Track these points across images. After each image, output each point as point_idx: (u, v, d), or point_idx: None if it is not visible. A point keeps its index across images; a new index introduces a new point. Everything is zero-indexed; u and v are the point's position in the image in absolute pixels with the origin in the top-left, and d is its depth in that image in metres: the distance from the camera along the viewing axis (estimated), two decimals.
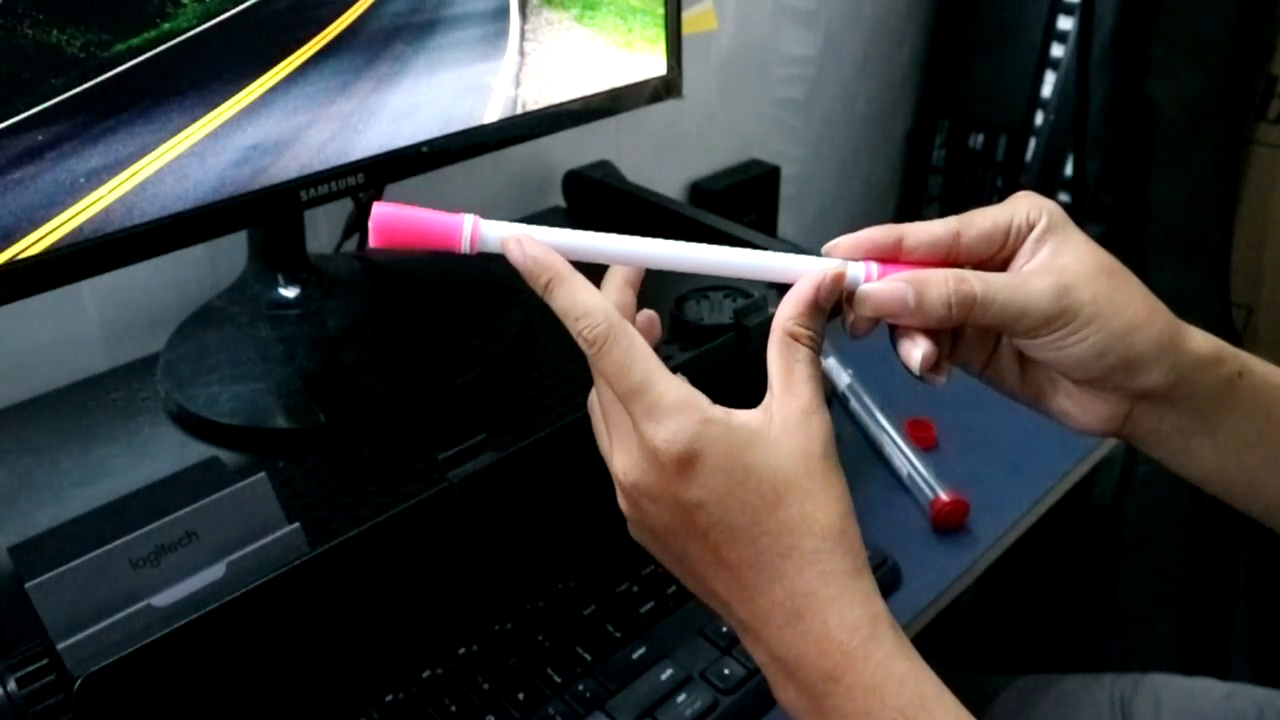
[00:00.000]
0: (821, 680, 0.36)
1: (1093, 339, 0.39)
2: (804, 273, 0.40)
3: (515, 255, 0.39)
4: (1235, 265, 1.12)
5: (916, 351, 0.40)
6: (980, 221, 0.42)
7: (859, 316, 0.41)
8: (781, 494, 0.36)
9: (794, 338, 0.39)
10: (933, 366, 0.41)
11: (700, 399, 0.37)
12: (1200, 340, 0.41)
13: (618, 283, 0.41)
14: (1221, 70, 1.04)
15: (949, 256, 0.41)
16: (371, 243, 0.39)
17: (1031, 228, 0.41)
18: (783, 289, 0.41)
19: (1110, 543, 1.12)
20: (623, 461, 0.39)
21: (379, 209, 0.38)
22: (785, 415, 0.37)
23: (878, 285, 0.40)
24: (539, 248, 0.39)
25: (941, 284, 0.39)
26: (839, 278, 0.40)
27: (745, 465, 0.36)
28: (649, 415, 0.37)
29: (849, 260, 0.41)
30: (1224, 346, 0.41)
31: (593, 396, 0.42)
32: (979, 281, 0.39)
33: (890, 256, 0.41)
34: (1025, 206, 0.42)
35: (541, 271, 0.39)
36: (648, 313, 0.43)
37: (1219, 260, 1.11)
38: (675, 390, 0.37)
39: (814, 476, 0.37)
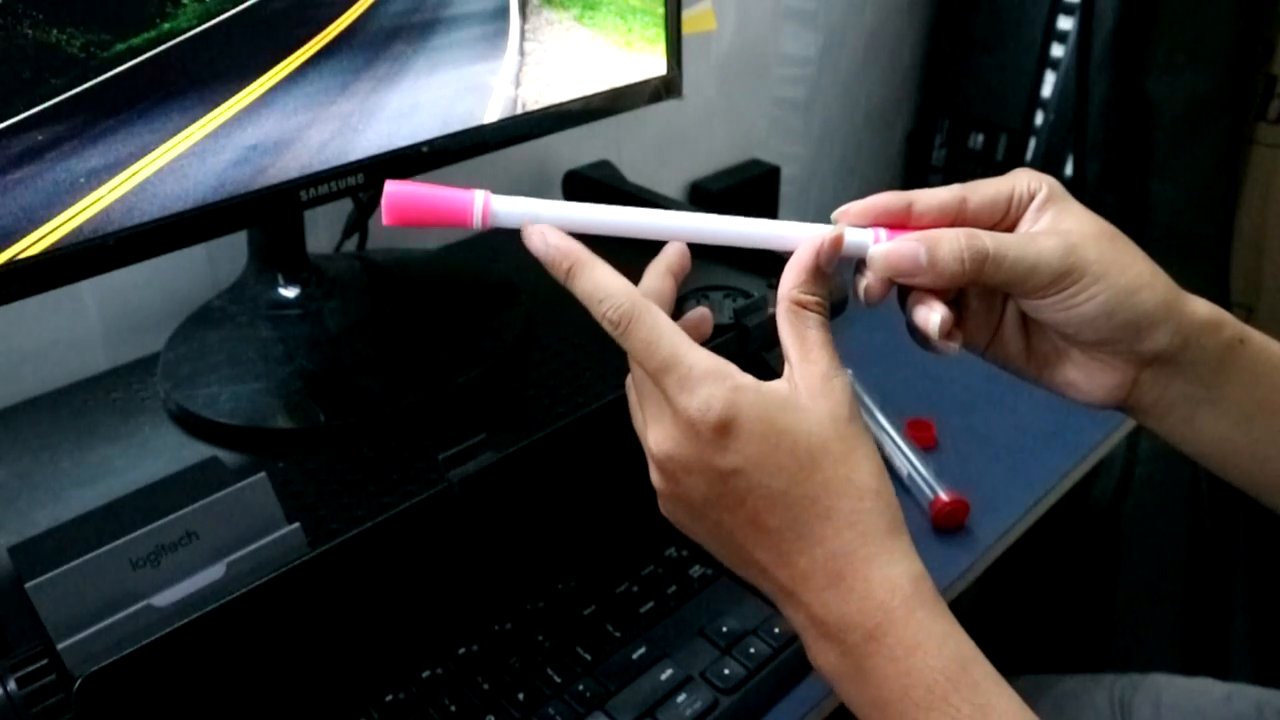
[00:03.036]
0: (864, 640, 0.36)
1: (1101, 296, 0.39)
2: (804, 240, 0.40)
3: (537, 245, 0.40)
4: (1235, 265, 1.12)
5: (934, 316, 0.40)
6: (984, 189, 0.42)
7: (872, 280, 0.41)
8: (816, 457, 0.37)
9: (801, 305, 0.39)
10: (947, 333, 0.41)
11: (731, 367, 0.38)
12: (1201, 305, 0.42)
13: (659, 269, 0.42)
14: (1221, 70, 1.04)
15: (956, 222, 0.42)
16: (384, 220, 0.39)
17: (1032, 197, 0.42)
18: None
19: (1110, 543, 1.12)
20: (657, 435, 0.39)
21: (391, 186, 0.39)
22: (809, 382, 0.38)
23: (890, 245, 0.40)
24: (559, 236, 0.40)
25: (954, 239, 0.39)
26: (838, 241, 0.40)
27: (779, 430, 0.37)
28: (681, 386, 0.37)
29: (858, 227, 0.41)
30: (1223, 313, 0.42)
31: (629, 379, 0.43)
32: (990, 238, 0.40)
33: (900, 222, 0.41)
34: (1025, 178, 0.43)
35: (563, 259, 0.39)
36: (700, 310, 0.44)
37: (1219, 260, 1.11)
38: (705, 360, 0.38)
39: (845, 439, 0.37)
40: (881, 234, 0.41)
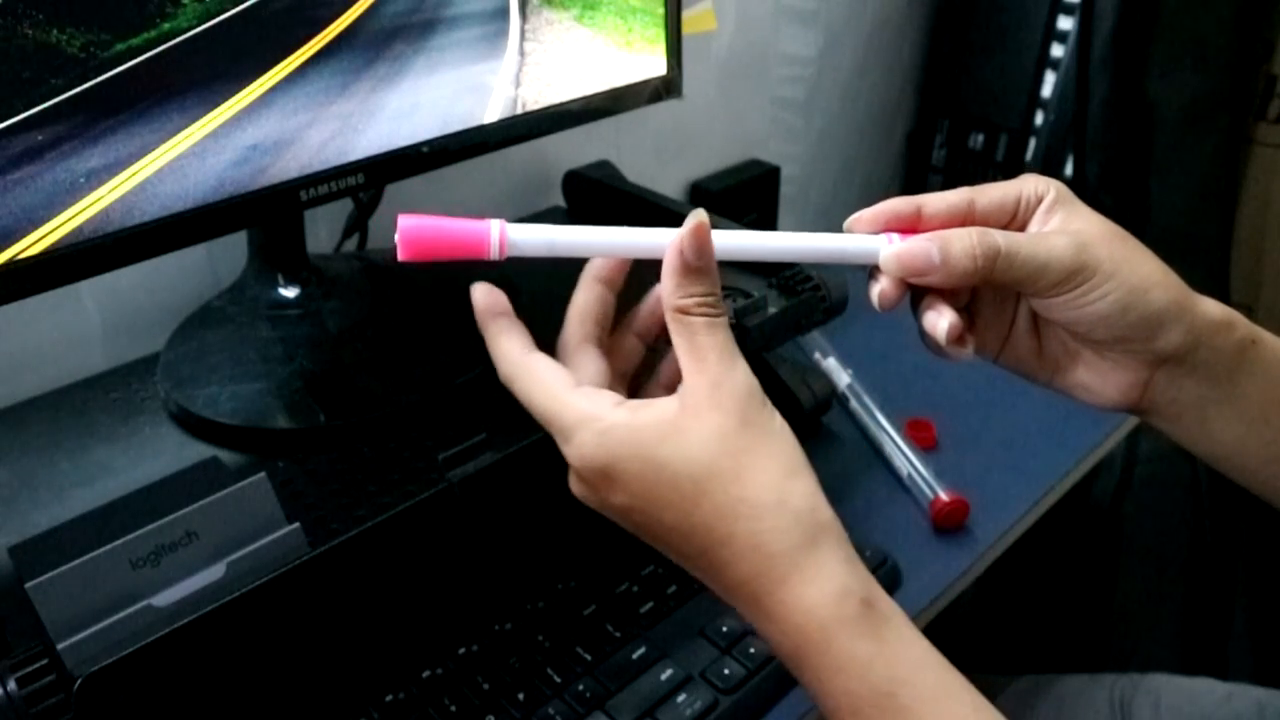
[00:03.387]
0: (790, 658, 0.36)
1: (1114, 294, 0.39)
2: (667, 244, 0.39)
3: (475, 298, 0.42)
4: (1235, 265, 1.12)
5: (942, 321, 0.40)
6: (992, 192, 0.42)
7: (886, 285, 0.40)
8: (702, 484, 0.35)
9: (683, 311, 0.38)
10: (957, 339, 0.40)
11: (601, 405, 0.37)
12: (1212, 305, 0.42)
13: (586, 280, 0.42)
14: (1221, 70, 1.04)
15: (964, 224, 0.41)
16: (400, 256, 0.39)
17: (1040, 200, 0.42)
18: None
19: (1110, 543, 1.12)
20: (570, 483, 0.40)
21: (406, 221, 0.38)
22: (694, 398, 0.36)
23: (903, 245, 0.40)
24: (484, 293, 0.42)
25: (965, 237, 0.39)
26: (697, 229, 0.38)
27: (658, 464, 0.36)
28: (561, 438, 0.38)
29: (867, 234, 0.41)
30: (1234, 313, 0.42)
31: None
32: (1001, 236, 0.39)
33: (909, 226, 0.41)
34: (1033, 182, 0.42)
35: (481, 319, 0.42)
36: (654, 294, 0.42)
37: (1219, 260, 1.11)
38: (575, 406, 0.37)
39: (733, 454, 0.36)
40: (895, 238, 0.41)
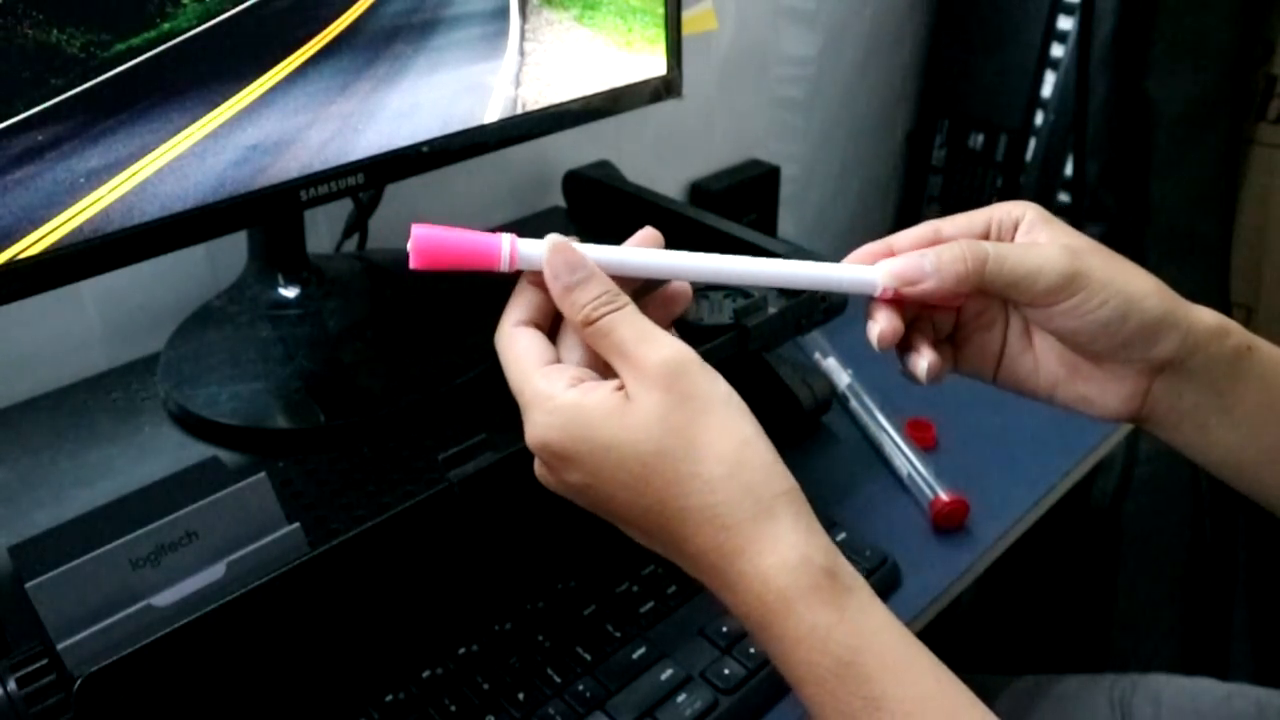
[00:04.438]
0: (755, 629, 0.36)
1: (1112, 302, 0.40)
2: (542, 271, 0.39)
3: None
4: (1235, 265, 1.12)
5: (922, 362, 0.42)
6: (958, 220, 0.43)
7: (885, 325, 0.42)
8: (649, 462, 0.36)
9: (588, 322, 0.38)
10: (935, 376, 0.42)
11: (556, 385, 0.37)
12: (1207, 313, 0.42)
13: (523, 287, 0.41)
14: (1221, 70, 1.04)
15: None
16: (412, 265, 0.39)
17: (1016, 223, 0.43)
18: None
19: (1110, 543, 1.12)
20: (534, 463, 0.40)
21: (419, 231, 0.39)
22: (633, 384, 0.37)
23: (896, 259, 0.41)
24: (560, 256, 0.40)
25: (955, 246, 0.40)
26: (557, 248, 0.39)
27: (605, 444, 0.36)
28: (523, 416, 0.38)
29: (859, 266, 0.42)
30: (1229, 321, 0.42)
31: None
32: (989, 244, 0.41)
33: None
34: (1005, 207, 0.43)
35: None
36: (669, 289, 0.43)
37: (1219, 260, 1.11)
38: (534, 384, 0.38)
39: (678, 431, 0.36)
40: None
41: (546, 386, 0.37)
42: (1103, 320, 0.40)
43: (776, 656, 0.35)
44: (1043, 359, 0.45)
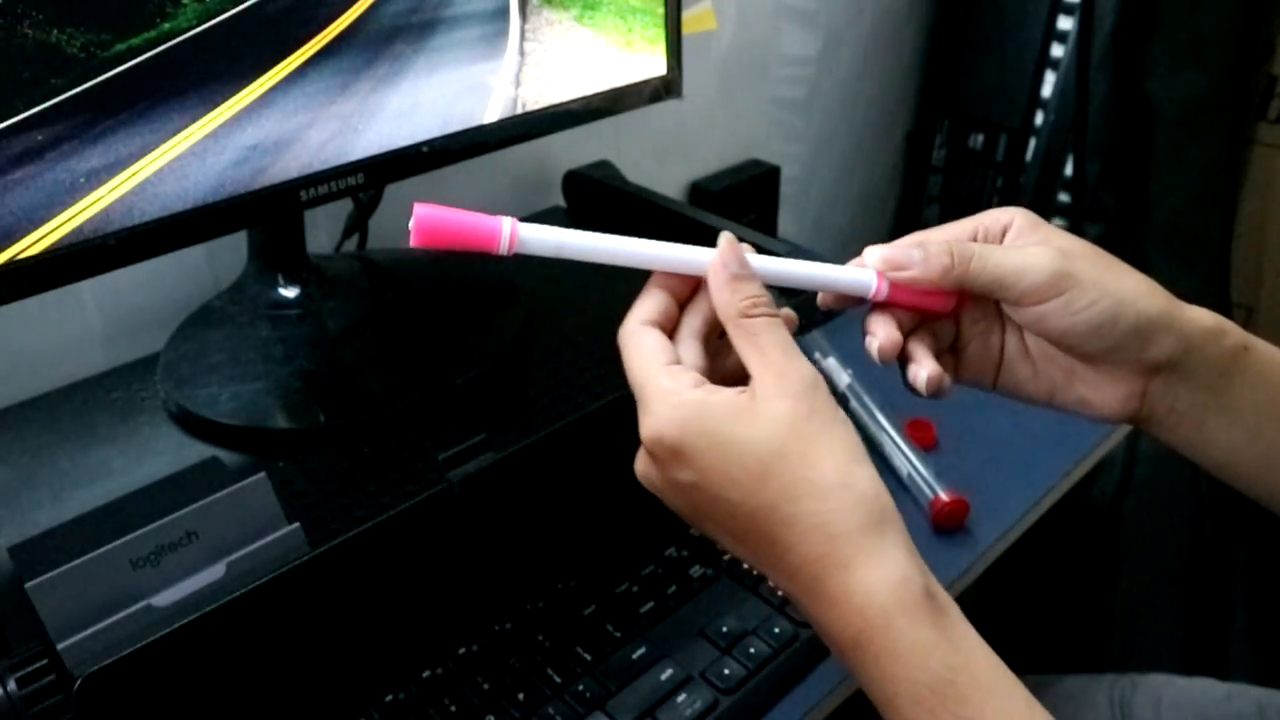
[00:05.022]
0: (850, 647, 0.35)
1: (1103, 302, 0.40)
2: (709, 262, 0.41)
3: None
4: (1235, 265, 1.12)
5: (922, 372, 0.42)
6: (945, 229, 0.44)
7: (884, 339, 0.42)
8: (769, 463, 0.36)
9: (744, 315, 0.39)
10: (935, 389, 0.42)
11: (682, 382, 0.38)
12: (1202, 313, 0.42)
13: (650, 288, 0.42)
14: (1221, 70, 1.04)
15: None
16: (412, 242, 0.39)
17: (1004, 229, 0.43)
18: (787, 290, 0.42)
19: (1110, 543, 1.12)
20: (635, 462, 0.40)
21: (421, 209, 0.39)
22: (763, 386, 0.37)
23: (886, 246, 0.42)
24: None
25: (941, 240, 0.41)
26: (731, 241, 0.40)
27: (726, 441, 0.36)
28: (641, 410, 0.38)
29: (861, 267, 0.43)
30: (1225, 320, 0.42)
31: None
32: (975, 244, 0.42)
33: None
34: (993, 214, 0.44)
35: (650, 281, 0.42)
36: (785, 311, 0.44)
37: (1219, 260, 1.11)
38: (658, 381, 0.38)
39: (802, 438, 0.36)
40: (884, 278, 0.42)
41: (671, 383, 0.38)
42: (1093, 321, 0.40)
43: (870, 675, 0.35)
44: (1040, 364, 0.45)
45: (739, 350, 0.39)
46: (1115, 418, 0.44)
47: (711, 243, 0.42)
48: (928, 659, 0.34)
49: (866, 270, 0.42)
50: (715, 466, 0.37)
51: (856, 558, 0.35)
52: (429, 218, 0.39)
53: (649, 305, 0.41)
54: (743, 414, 0.37)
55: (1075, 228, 1.11)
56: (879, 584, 0.35)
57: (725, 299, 0.39)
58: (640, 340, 0.40)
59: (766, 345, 0.38)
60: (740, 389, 0.38)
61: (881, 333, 0.42)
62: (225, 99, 0.50)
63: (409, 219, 0.39)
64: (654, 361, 0.39)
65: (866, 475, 0.36)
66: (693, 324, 0.42)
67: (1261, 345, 0.43)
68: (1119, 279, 0.40)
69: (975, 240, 0.43)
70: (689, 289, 0.42)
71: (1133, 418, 0.44)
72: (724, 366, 0.43)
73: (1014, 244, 0.43)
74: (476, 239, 0.40)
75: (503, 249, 0.40)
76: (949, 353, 0.46)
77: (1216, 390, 0.42)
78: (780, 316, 0.39)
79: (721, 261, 0.40)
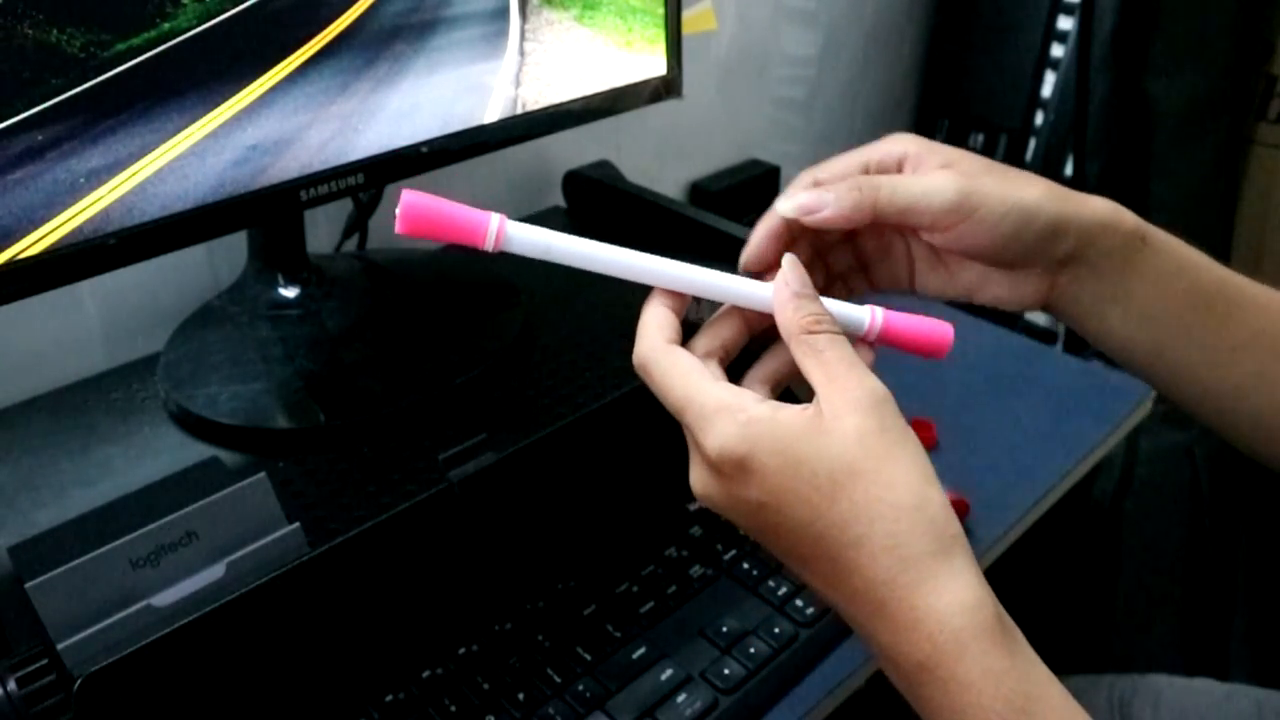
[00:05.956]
0: (915, 670, 0.34)
1: (1010, 215, 0.41)
2: (773, 285, 0.40)
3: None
4: (1235, 265, 1.12)
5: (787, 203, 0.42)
6: (834, 163, 0.44)
7: (760, 241, 0.43)
8: (841, 481, 0.35)
9: (808, 330, 0.38)
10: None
11: (745, 398, 0.37)
12: (1098, 204, 0.43)
13: (653, 303, 0.42)
14: (1221, 70, 1.04)
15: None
16: (398, 229, 0.39)
17: (899, 161, 0.44)
18: None
19: (1110, 543, 1.12)
20: (692, 477, 0.39)
21: (409, 196, 0.39)
22: (833, 404, 0.36)
23: (799, 192, 0.42)
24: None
25: (840, 175, 0.42)
26: (794, 263, 0.41)
27: (798, 459, 0.35)
28: (698, 426, 0.37)
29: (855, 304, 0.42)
30: (1121, 210, 0.43)
31: None
32: (884, 177, 0.42)
33: (791, 230, 0.43)
34: (883, 145, 0.44)
35: (649, 299, 0.41)
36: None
37: (1219, 260, 1.11)
38: (716, 394, 0.37)
39: (875, 456, 0.35)
40: (878, 313, 0.41)
41: (735, 398, 0.37)
42: (1003, 234, 0.41)
43: (936, 702, 0.34)
44: (953, 270, 0.45)
45: (803, 366, 0.38)
46: (1027, 309, 0.45)
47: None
48: (999, 687, 0.33)
49: (863, 309, 0.41)
50: (785, 485, 0.35)
51: (927, 581, 0.34)
52: (416, 205, 0.38)
53: (667, 326, 0.40)
54: (814, 431, 0.36)
55: None
56: (951, 608, 0.33)
57: (789, 316, 0.39)
58: (675, 358, 0.39)
59: (832, 360, 0.37)
60: (804, 406, 0.37)
61: (756, 242, 0.43)
62: (225, 99, 0.50)
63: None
64: (702, 377, 0.38)
65: (938, 497, 0.35)
66: (710, 346, 0.41)
67: (1158, 237, 0.44)
68: (1019, 189, 0.41)
69: (868, 173, 0.43)
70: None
71: (1043, 307, 0.45)
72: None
73: (915, 173, 0.43)
74: (462, 232, 0.39)
75: (488, 245, 0.39)
76: (858, 271, 0.47)
77: (1113, 281, 0.43)
78: (843, 334, 0.39)
79: (784, 280, 0.40)
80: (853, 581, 0.35)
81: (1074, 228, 0.42)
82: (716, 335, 0.41)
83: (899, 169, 0.43)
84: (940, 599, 0.34)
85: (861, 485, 0.35)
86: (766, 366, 0.41)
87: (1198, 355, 0.45)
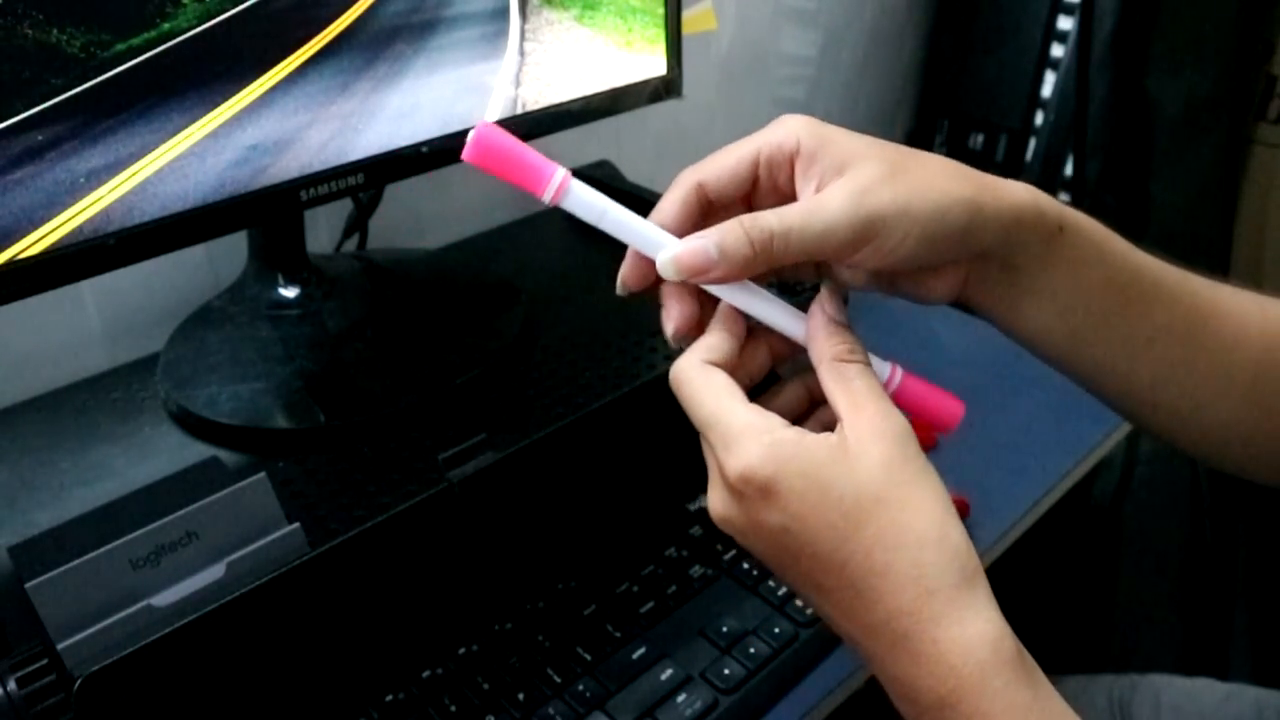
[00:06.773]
0: (936, 705, 0.34)
1: (913, 233, 0.38)
2: (810, 310, 0.40)
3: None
4: (1235, 265, 1.12)
5: (669, 324, 0.40)
6: (721, 170, 0.42)
7: (666, 286, 0.41)
8: (867, 508, 0.35)
9: (840, 360, 0.38)
10: (684, 335, 0.40)
11: (772, 421, 0.36)
12: (1016, 191, 0.40)
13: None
14: (1221, 70, 1.04)
15: (701, 209, 0.42)
16: (464, 155, 0.38)
17: (790, 160, 0.41)
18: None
19: (1110, 543, 1.12)
20: (711, 498, 0.39)
21: (484, 127, 0.38)
22: (858, 432, 0.36)
23: (680, 246, 0.39)
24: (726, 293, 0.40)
25: (735, 227, 0.38)
26: (832, 289, 0.40)
27: (823, 485, 0.35)
28: (721, 446, 0.37)
29: (865, 359, 0.41)
30: (1040, 198, 0.41)
31: None
32: (773, 216, 0.38)
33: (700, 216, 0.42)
34: (773, 139, 0.41)
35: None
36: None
37: (1219, 260, 1.11)
38: (742, 416, 0.36)
39: (901, 484, 0.35)
40: (899, 373, 0.41)
41: (761, 420, 0.36)
42: (910, 249, 0.38)
43: None
44: (867, 274, 0.43)
45: (829, 393, 0.38)
46: (944, 302, 0.44)
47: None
48: None
49: (885, 363, 0.41)
50: (810, 510, 0.35)
51: (951, 614, 0.33)
52: (488, 137, 0.38)
53: (703, 347, 0.39)
54: (841, 457, 0.35)
55: None
56: (975, 641, 0.33)
57: (821, 342, 0.39)
58: (709, 376, 0.38)
59: (860, 390, 0.37)
60: (828, 434, 0.36)
61: (675, 310, 0.40)
62: (225, 99, 0.50)
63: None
64: (731, 397, 0.37)
65: (959, 530, 0.35)
66: (736, 376, 0.40)
67: (1075, 225, 0.42)
68: (923, 195, 0.38)
69: (758, 179, 0.41)
70: (745, 331, 0.41)
71: (958, 301, 0.44)
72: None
73: (807, 187, 0.40)
74: (525, 175, 0.38)
75: (547, 195, 0.38)
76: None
77: (1029, 273, 0.42)
78: (871, 366, 0.39)
79: (820, 306, 0.40)
80: (873, 612, 0.35)
81: (989, 223, 0.39)
82: (742, 363, 0.41)
83: (790, 165, 0.41)
84: (964, 631, 0.33)
85: (887, 514, 0.34)
86: (781, 399, 0.41)
87: (1117, 347, 0.43)
